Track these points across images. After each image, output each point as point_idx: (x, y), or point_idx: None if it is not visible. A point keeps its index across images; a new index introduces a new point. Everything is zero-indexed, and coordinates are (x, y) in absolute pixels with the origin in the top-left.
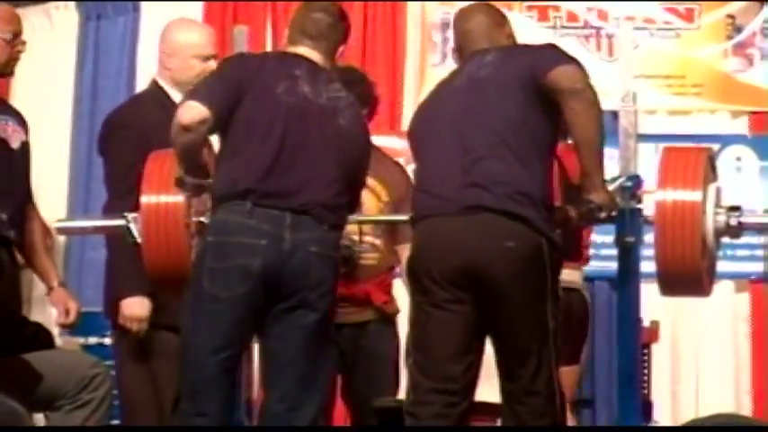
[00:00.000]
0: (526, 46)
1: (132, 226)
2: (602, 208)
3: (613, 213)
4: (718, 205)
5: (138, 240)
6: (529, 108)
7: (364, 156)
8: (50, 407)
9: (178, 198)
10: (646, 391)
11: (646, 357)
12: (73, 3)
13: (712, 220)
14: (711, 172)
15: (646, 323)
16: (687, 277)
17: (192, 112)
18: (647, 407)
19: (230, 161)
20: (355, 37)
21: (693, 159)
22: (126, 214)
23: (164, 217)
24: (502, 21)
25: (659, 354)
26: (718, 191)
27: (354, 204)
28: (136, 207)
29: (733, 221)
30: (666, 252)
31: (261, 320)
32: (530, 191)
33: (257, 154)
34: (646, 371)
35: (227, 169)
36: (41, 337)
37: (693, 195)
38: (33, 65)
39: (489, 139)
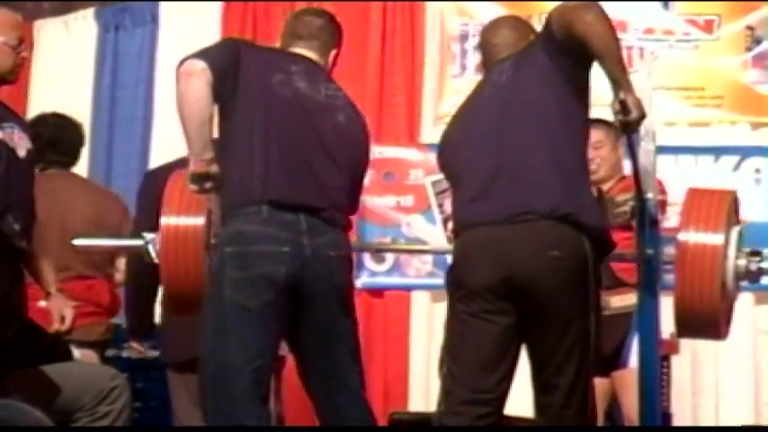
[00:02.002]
0: (530, 42)
1: (150, 247)
2: (630, 110)
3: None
4: (739, 249)
5: (156, 261)
6: (557, 96)
7: (365, 154)
8: (69, 419)
9: (198, 220)
10: (665, 403)
11: (665, 369)
12: (92, 14)
13: (733, 264)
14: (735, 215)
15: (666, 335)
16: (704, 320)
17: (189, 61)
18: (666, 419)
19: (233, 164)
20: (374, 49)
21: (717, 202)
22: (144, 234)
23: (182, 238)
24: (528, 33)
25: (679, 366)
26: (741, 234)
27: (356, 205)
28: None
29: (753, 266)
30: (685, 294)
31: (289, 329)
32: (571, 188)
33: (260, 155)
34: (665, 383)
35: (232, 173)
36: (59, 348)
37: (715, 239)
38: (52, 76)
39: (524, 143)
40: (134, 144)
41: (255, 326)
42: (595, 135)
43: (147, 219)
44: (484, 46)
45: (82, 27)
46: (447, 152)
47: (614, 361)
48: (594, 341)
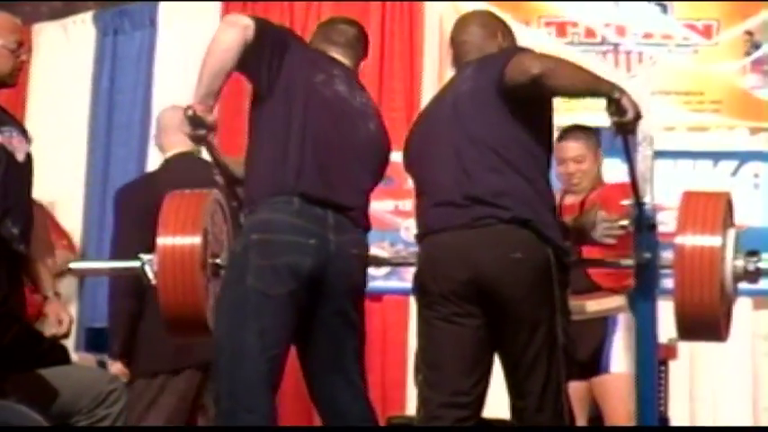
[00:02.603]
0: (495, 55)
1: (147, 268)
2: (626, 109)
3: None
4: (736, 250)
5: (153, 282)
6: (514, 116)
7: (386, 165)
8: (66, 422)
9: (195, 239)
10: (663, 408)
11: (663, 374)
12: (90, 18)
13: (731, 265)
14: (730, 217)
15: (663, 340)
16: (704, 322)
17: (239, 15)
18: (664, 423)
19: (267, 151)
20: (373, 50)
21: (713, 204)
22: (141, 255)
23: (179, 259)
24: (496, 31)
25: (677, 370)
26: (737, 236)
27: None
28: None
29: (751, 267)
30: (685, 297)
31: (303, 323)
32: (531, 199)
33: (296, 147)
34: (663, 387)
35: (265, 161)
36: (57, 352)
37: (713, 241)
38: (50, 79)
39: (483, 153)
40: (132, 148)
41: (275, 315)
42: (576, 148)
43: (131, 237)
44: (453, 43)
45: (80, 31)
46: (410, 155)
47: (592, 366)
48: (565, 345)
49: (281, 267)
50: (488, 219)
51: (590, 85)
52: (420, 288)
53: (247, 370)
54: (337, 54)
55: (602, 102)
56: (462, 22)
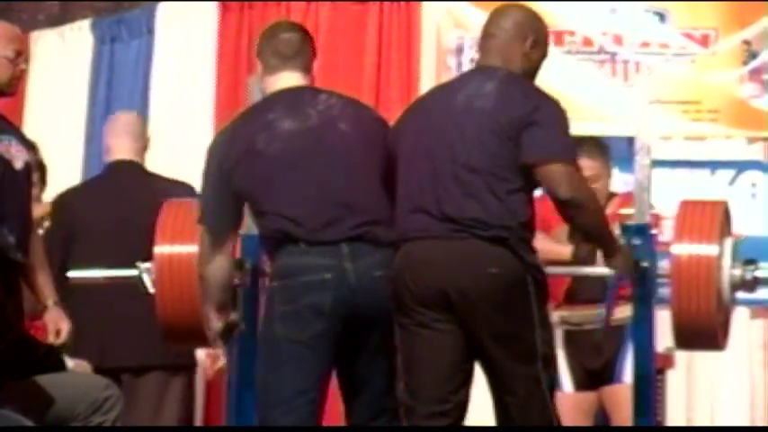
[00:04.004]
0: (525, 93)
1: (145, 276)
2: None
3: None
4: (734, 259)
5: (151, 291)
6: (513, 149)
7: (386, 141)
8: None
9: (192, 248)
10: (660, 418)
11: (661, 383)
12: (88, 25)
13: (728, 274)
14: (727, 226)
15: (660, 349)
16: (702, 331)
17: (206, 242)
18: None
19: (259, 215)
20: (370, 62)
21: (709, 213)
22: (138, 264)
23: (177, 267)
24: (527, 34)
25: (674, 380)
26: (735, 245)
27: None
28: None
29: (748, 276)
30: (682, 306)
31: (342, 356)
32: (511, 223)
33: (278, 206)
34: (660, 397)
35: (262, 220)
36: (52, 359)
37: (710, 250)
38: (47, 87)
39: (476, 180)
40: None
41: (308, 358)
42: (593, 168)
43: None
44: (483, 31)
45: (78, 38)
46: (401, 147)
47: (604, 375)
48: (546, 355)
49: (303, 310)
50: (465, 233)
51: (601, 240)
52: (396, 295)
53: (290, 416)
54: (288, 70)
55: (615, 112)
56: (498, 14)
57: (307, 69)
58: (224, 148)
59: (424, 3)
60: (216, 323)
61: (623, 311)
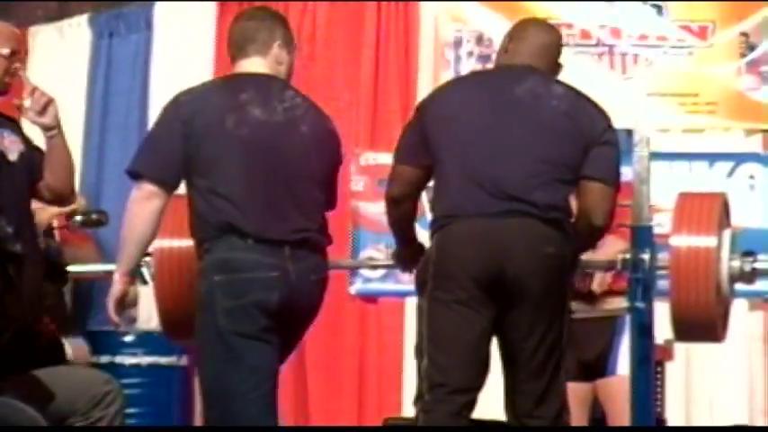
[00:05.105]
0: (598, 108)
1: (144, 270)
2: None
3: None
4: (732, 251)
5: (150, 283)
6: (581, 155)
7: (336, 155)
8: (62, 424)
9: (191, 241)
10: (659, 410)
11: (659, 375)
12: (86, 20)
13: (727, 266)
14: (726, 218)
15: (659, 341)
16: (701, 323)
17: (142, 195)
18: (660, 425)
19: (208, 197)
20: (368, 55)
21: (708, 205)
22: None
23: (177, 260)
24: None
25: (673, 372)
26: (734, 237)
27: (333, 202)
28: None
29: (747, 267)
30: (681, 298)
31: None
32: (566, 211)
33: (234, 193)
34: (659, 389)
35: (209, 205)
36: (54, 351)
37: (708, 241)
38: (45, 82)
39: (538, 164)
40: (128, 150)
41: (260, 351)
42: None
43: None
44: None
45: (76, 33)
46: (440, 127)
47: (597, 367)
48: (566, 344)
49: (249, 306)
50: (520, 213)
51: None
52: (439, 269)
53: (240, 412)
54: (251, 57)
55: (613, 105)
56: (541, 27)
57: (272, 56)
58: (191, 111)
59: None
60: (117, 288)
61: (617, 302)
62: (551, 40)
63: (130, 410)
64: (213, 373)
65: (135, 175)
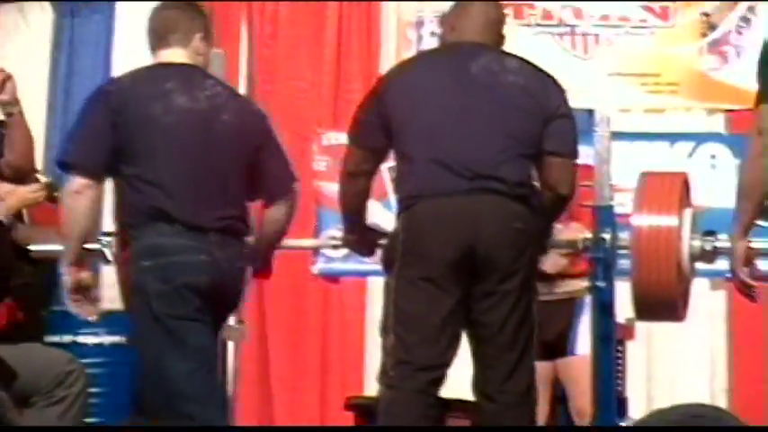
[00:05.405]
0: (555, 81)
1: (107, 250)
2: None
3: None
4: (693, 231)
5: (112, 262)
6: (540, 127)
7: (264, 138)
8: (25, 403)
9: None
10: (620, 388)
11: (621, 354)
12: (48, 1)
13: (688, 245)
14: (687, 197)
15: (621, 320)
16: (662, 302)
17: (74, 188)
18: (622, 403)
19: (137, 185)
20: (330, 34)
21: (669, 184)
22: (100, 238)
23: None
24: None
25: (634, 351)
26: (695, 216)
27: (291, 178)
28: None
29: (708, 246)
30: (642, 277)
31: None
32: (532, 187)
33: (163, 180)
34: (621, 368)
35: (138, 192)
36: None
37: (669, 221)
38: (7, 63)
39: (503, 140)
40: None
41: (195, 330)
42: None
43: None
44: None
45: (38, 14)
46: (401, 112)
47: (557, 347)
48: (534, 322)
49: (180, 288)
50: (489, 190)
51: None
52: (408, 248)
53: (183, 391)
54: (171, 48)
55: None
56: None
57: (191, 48)
58: (119, 100)
59: None
60: (68, 278)
61: (576, 284)
62: (496, 14)
63: (93, 389)
64: (153, 356)
65: (65, 166)
